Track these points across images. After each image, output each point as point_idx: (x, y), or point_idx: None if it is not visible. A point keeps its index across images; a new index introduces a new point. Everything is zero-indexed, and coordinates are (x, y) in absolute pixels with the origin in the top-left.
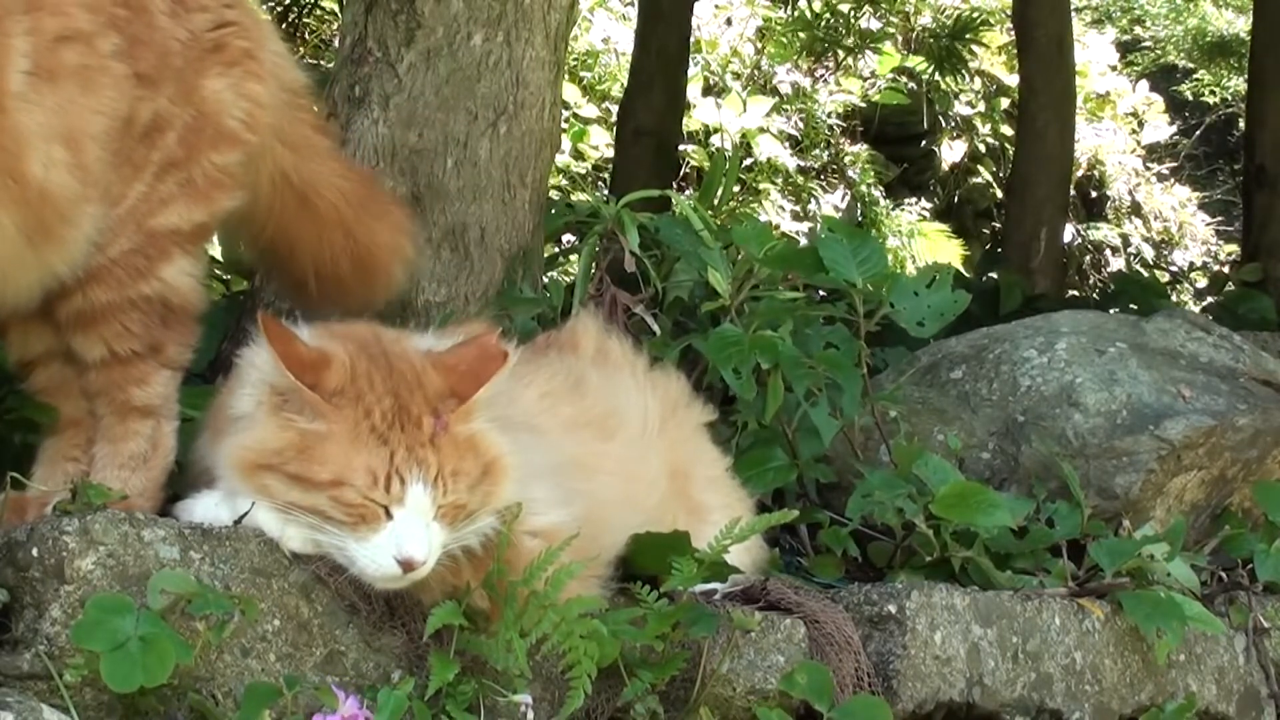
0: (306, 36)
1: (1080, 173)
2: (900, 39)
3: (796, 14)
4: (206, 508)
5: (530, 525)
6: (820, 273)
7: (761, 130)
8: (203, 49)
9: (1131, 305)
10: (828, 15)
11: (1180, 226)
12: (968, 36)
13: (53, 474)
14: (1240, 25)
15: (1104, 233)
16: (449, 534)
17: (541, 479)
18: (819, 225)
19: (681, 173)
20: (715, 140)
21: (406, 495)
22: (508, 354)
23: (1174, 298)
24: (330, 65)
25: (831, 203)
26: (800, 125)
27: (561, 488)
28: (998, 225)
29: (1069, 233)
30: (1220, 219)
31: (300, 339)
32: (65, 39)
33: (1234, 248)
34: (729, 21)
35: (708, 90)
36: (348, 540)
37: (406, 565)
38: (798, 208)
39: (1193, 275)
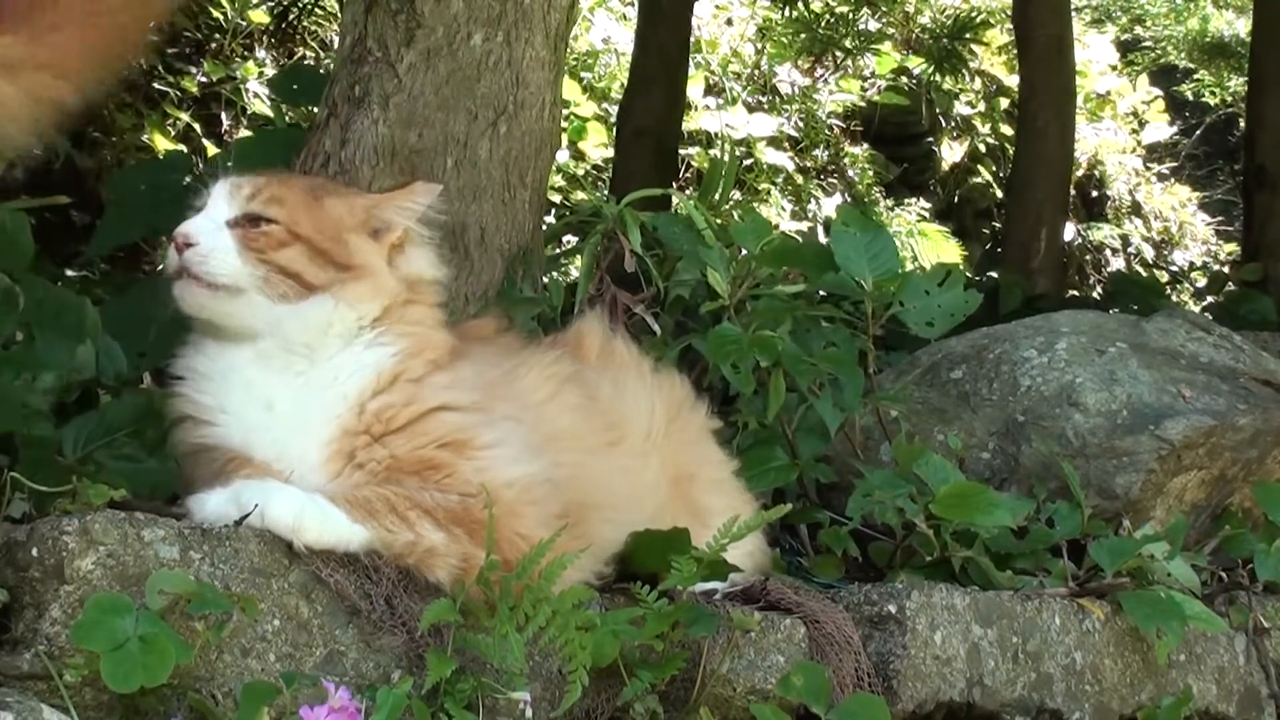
0: (306, 37)
1: (1080, 173)
2: (900, 39)
3: (796, 14)
4: (217, 504)
5: (505, 476)
6: (824, 271)
7: (767, 142)
8: None
9: (1131, 305)
10: (828, 15)
11: (1180, 226)
12: (967, 36)
13: None
14: (1240, 25)
15: (1104, 233)
16: (247, 267)
17: (521, 439)
18: (818, 226)
19: (682, 174)
20: (715, 152)
21: (214, 190)
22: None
23: (1174, 298)
24: (330, 65)
25: (831, 204)
26: (800, 125)
27: (536, 448)
28: (998, 225)
29: (1069, 233)
30: (1220, 219)
31: None
32: None
33: (1234, 248)
34: (729, 21)
35: (708, 90)
36: None
37: (181, 239)
38: (797, 208)
39: (1193, 275)
